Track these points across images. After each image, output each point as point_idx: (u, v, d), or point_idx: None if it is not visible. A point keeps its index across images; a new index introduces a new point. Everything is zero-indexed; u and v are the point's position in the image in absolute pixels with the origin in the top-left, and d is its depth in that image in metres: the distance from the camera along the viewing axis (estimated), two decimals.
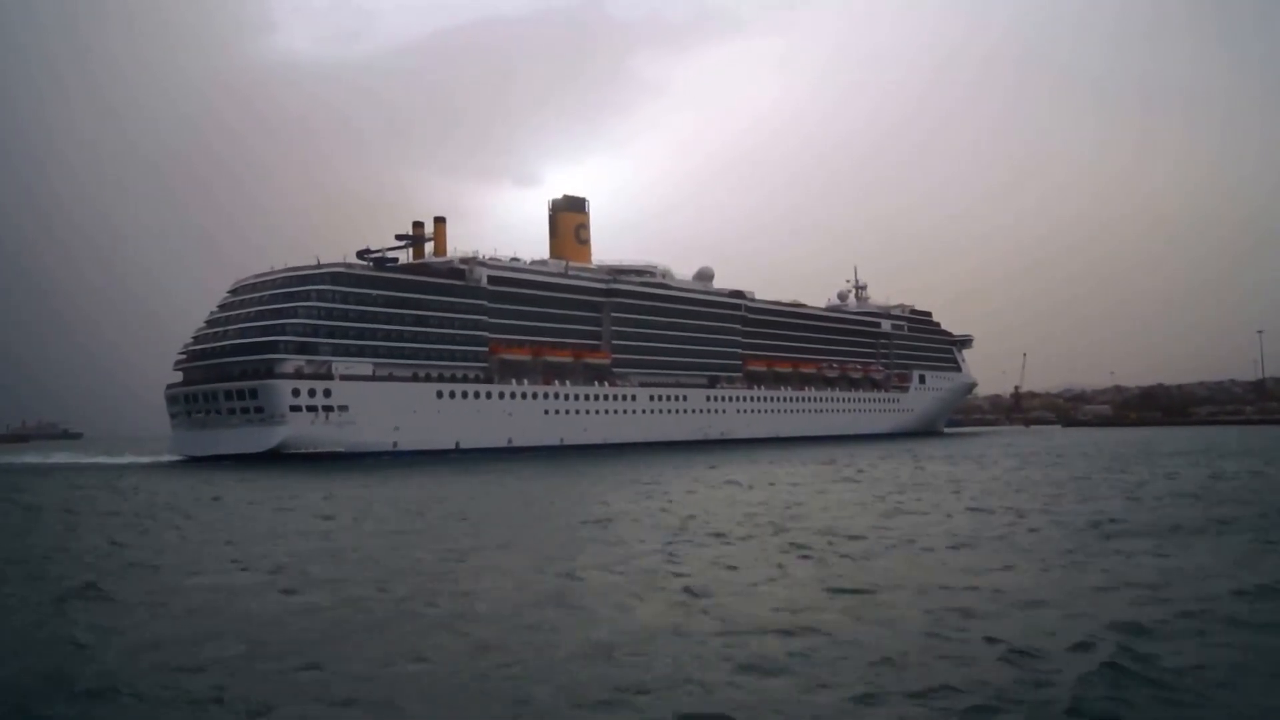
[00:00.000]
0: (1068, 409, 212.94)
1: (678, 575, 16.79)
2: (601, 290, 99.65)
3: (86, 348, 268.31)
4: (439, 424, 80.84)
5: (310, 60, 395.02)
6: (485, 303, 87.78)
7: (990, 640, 11.65)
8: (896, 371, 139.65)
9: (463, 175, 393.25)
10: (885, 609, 13.80)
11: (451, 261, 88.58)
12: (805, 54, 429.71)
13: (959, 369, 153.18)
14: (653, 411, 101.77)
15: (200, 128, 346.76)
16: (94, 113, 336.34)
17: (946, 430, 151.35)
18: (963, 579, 16.02)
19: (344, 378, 75.98)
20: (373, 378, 78.30)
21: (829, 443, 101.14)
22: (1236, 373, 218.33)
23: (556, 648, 11.81)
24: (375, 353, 79.40)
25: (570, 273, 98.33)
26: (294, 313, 76.12)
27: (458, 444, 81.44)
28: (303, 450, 72.13)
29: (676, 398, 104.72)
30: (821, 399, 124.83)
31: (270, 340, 74.53)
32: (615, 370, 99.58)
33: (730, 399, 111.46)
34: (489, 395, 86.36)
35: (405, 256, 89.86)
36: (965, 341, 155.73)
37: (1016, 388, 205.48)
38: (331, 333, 77.08)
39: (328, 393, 74.56)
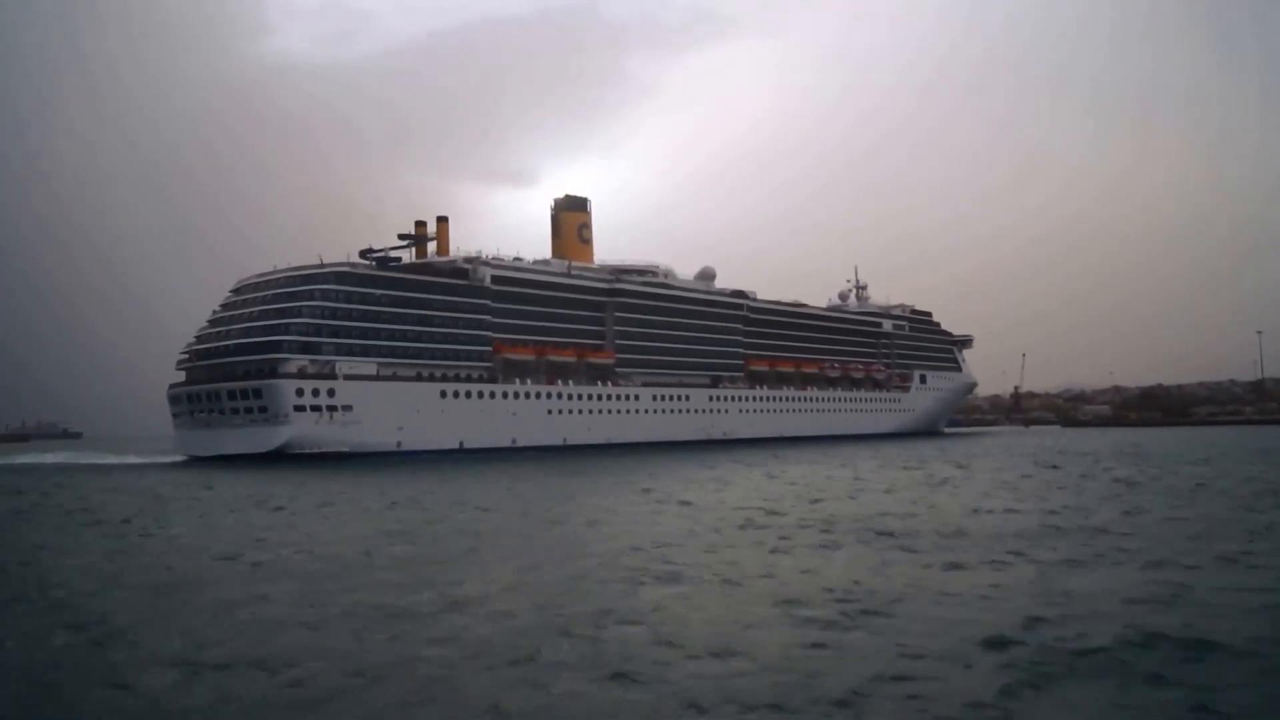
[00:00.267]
0: (1067, 409, 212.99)
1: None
2: (605, 290, 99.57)
3: (85, 347, 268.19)
4: (443, 424, 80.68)
5: (306, 61, 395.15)
6: (489, 302, 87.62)
7: None
8: (898, 371, 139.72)
9: (460, 176, 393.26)
10: None
11: (455, 261, 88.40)
12: (802, 55, 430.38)
13: (959, 369, 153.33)
14: (656, 411, 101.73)
15: (198, 128, 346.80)
16: (92, 113, 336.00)
17: (946, 430, 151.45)
18: None
19: (348, 377, 75.78)
20: (377, 377, 78.12)
21: (831, 443, 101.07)
22: (1236, 373, 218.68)
23: None
24: (379, 352, 79.20)
25: (573, 272, 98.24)
26: (298, 312, 75.90)
27: (461, 444, 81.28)
28: (307, 450, 71.95)
29: (679, 398, 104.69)
30: (823, 399, 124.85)
31: (274, 340, 74.29)
32: (618, 370, 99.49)
33: (733, 399, 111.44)
34: (493, 395, 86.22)
35: (408, 256, 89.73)
36: (966, 341, 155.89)
37: (1016, 388, 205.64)
38: (335, 332, 76.87)
39: (332, 392, 74.37)
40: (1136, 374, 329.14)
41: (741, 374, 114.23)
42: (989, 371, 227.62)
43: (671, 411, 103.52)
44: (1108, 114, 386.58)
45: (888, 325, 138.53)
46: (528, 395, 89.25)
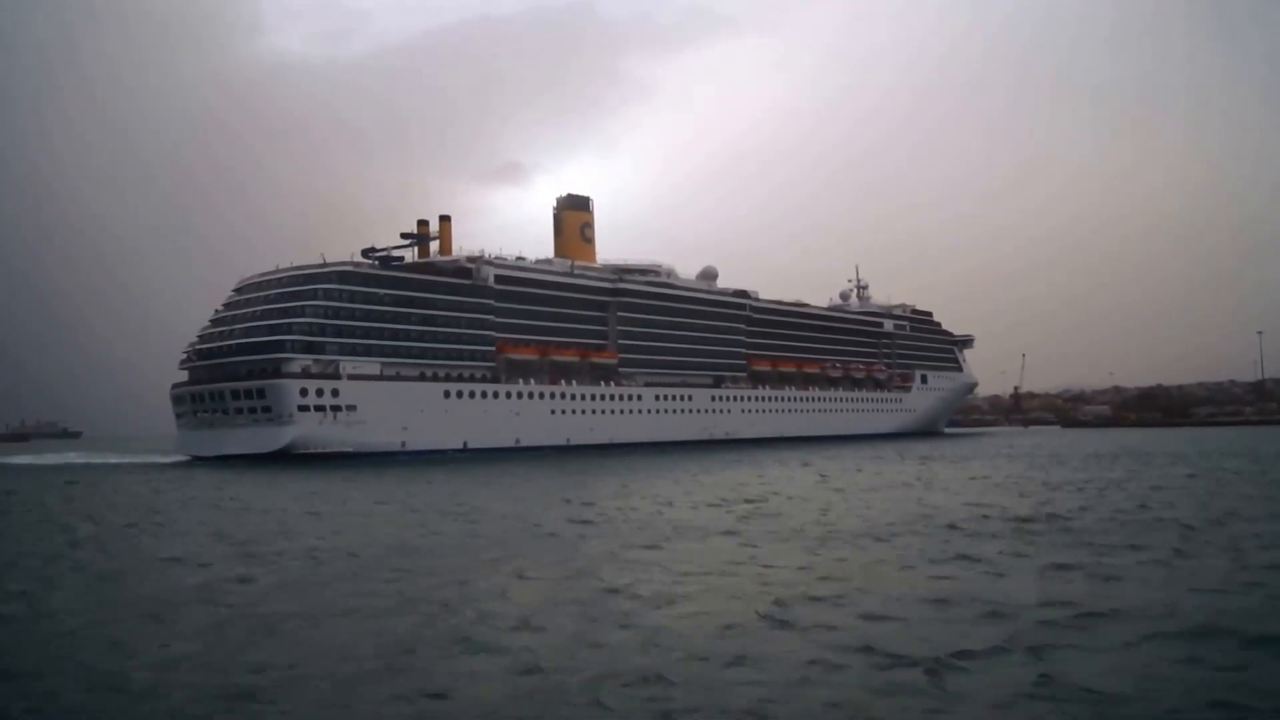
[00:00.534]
0: (1067, 409, 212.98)
1: None
2: (608, 290, 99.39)
3: (84, 347, 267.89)
4: (447, 424, 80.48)
5: (303, 60, 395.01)
6: (492, 302, 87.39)
7: None
8: (899, 371, 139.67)
9: (458, 175, 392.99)
10: None
11: (458, 260, 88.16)
12: (802, 54, 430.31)
13: (960, 369, 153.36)
14: (658, 411, 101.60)
15: (196, 128, 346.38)
16: (90, 113, 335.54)
17: (946, 430, 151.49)
18: None
19: (352, 377, 75.54)
20: (380, 377, 77.88)
21: (834, 443, 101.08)
22: (1236, 373, 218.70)
23: None
24: (383, 352, 78.93)
25: (576, 272, 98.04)
26: (301, 311, 75.64)
27: (465, 444, 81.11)
28: (311, 450, 71.69)
29: (682, 397, 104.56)
30: (825, 399, 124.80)
31: (278, 340, 74.00)
32: (621, 370, 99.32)
33: (735, 399, 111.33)
34: (496, 395, 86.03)
35: (410, 255, 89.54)
36: (966, 341, 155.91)
37: (1016, 388, 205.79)
38: (339, 332, 76.63)
39: (335, 392, 74.15)
40: (1136, 374, 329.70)
41: (744, 374, 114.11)
42: (989, 372, 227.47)
43: (674, 412, 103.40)
44: (1108, 114, 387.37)
45: (889, 325, 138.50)
46: (531, 395, 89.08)
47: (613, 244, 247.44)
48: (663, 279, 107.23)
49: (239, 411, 73.40)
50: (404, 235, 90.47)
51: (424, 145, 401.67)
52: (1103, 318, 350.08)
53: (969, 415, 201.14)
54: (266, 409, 72.24)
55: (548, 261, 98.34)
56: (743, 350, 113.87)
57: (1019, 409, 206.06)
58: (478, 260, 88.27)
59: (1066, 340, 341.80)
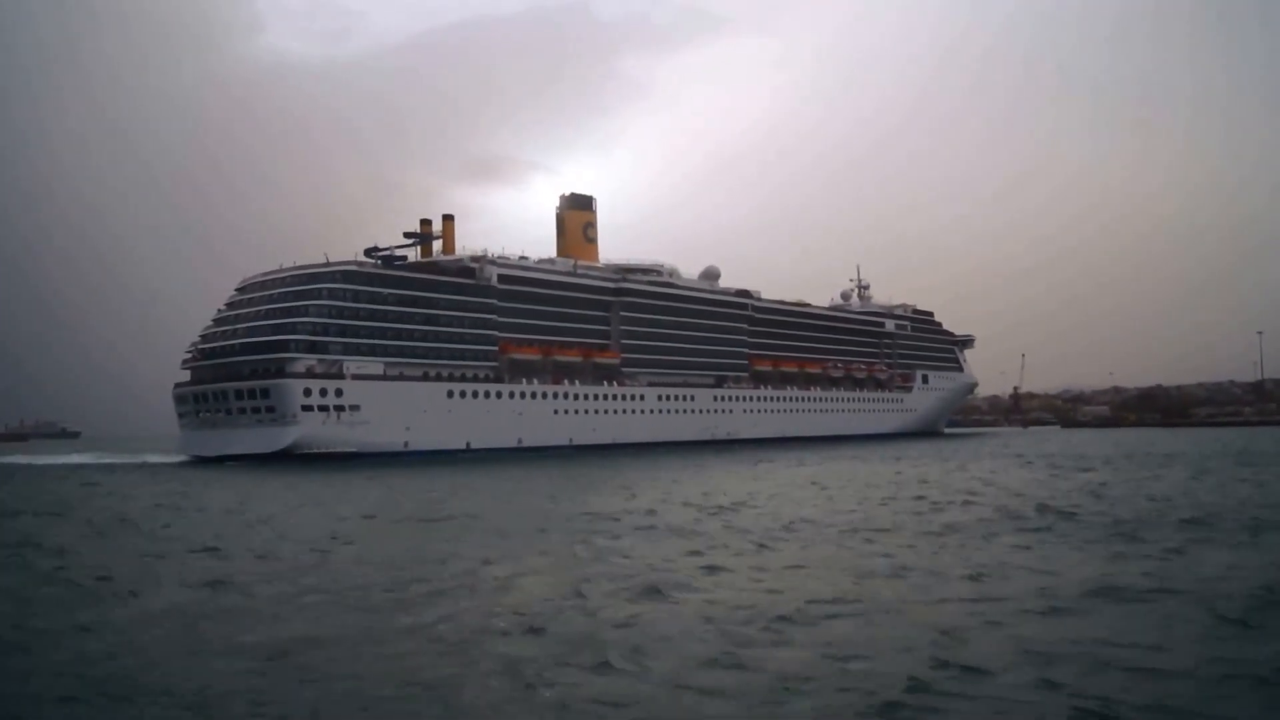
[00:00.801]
0: (1066, 410, 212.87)
1: None
2: (611, 289, 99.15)
3: (83, 347, 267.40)
4: (450, 424, 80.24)
5: (300, 59, 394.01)
6: (496, 301, 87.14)
7: None
8: (900, 371, 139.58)
9: (456, 174, 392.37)
10: None
11: (462, 260, 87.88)
12: (802, 54, 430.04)
13: (961, 369, 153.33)
14: (661, 411, 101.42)
15: (195, 127, 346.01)
16: (89, 113, 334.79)
17: (946, 430, 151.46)
18: None
19: (355, 377, 75.27)
20: (384, 377, 77.62)
21: (836, 444, 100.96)
22: (1236, 374, 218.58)
23: None
24: (386, 352, 78.65)
25: (579, 271, 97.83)
26: (305, 311, 75.34)
27: (468, 444, 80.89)
28: (314, 450, 71.46)
29: (684, 398, 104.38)
30: (827, 399, 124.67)
31: (282, 339, 73.69)
32: (624, 370, 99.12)
33: (737, 399, 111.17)
34: (499, 395, 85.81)
35: (413, 255, 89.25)
36: (967, 341, 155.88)
37: (1015, 388, 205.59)
38: (343, 331, 76.34)
39: (339, 392, 73.89)
40: (1136, 374, 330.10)
41: (746, 374, 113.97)
42: (989, 372, 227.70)
43: (676, 412, 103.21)
44: (1109, 114, 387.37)
45: (890, 325, 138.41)
46: (534, 395, 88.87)
47: (613, 244, 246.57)
48: (665, 279, 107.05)
49: (242, 411, 73.12)
50: (407, 234, 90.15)
51: (422, 144, 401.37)
52: (1103, 318, 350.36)
53: (968, 415, 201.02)
54: (270, 409, 71.97)
55: (550, 261, 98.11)
56: (745, 350, 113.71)
57: (1018, 409, 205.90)
58: (481, 260, 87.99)
59: (1066, 340, 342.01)
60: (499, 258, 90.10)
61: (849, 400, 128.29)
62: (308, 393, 72.30)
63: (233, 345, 76.07)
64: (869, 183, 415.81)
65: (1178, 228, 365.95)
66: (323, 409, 72.69)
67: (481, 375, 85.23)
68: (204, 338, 79.47)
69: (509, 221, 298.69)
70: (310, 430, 71.79)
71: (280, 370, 72.92)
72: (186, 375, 79.86)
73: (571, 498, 36.09)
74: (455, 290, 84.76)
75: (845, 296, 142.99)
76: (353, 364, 75.79)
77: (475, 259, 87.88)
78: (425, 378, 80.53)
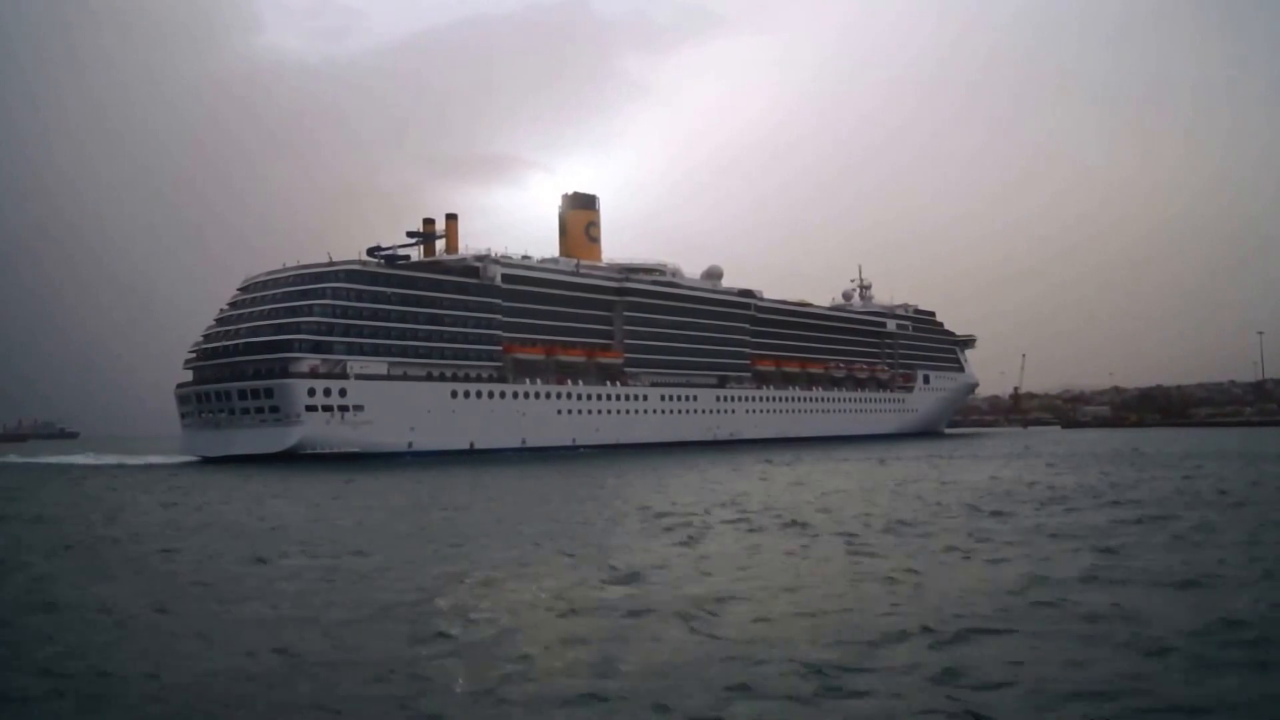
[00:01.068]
0: (1066, 410, 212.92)
1: None
2: (614, 289, 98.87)
3: (81, 347, 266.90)
4: (454, 424, 79.92)
5: (299, 58, 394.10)
6: (499, 301, 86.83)
7: None
8: (901, 371, 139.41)
9: (455, 174, 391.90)
10: None
11: (465, 259, 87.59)
12: (803, 53, 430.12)
13: (962, 369, 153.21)
14: (663, 412, 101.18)
15: (193, 126, 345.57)
16: (88, 113, 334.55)
17: (947, 431, 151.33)
18: None
19: (359, 377, 74.97)
20: (388, 377, 77.32)
21: (836, 444, 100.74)
22: (1236, 374, 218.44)
23: None
24: (390, 351, 78.35)
25: (582, 271, 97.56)
26: (309, 310, 75.02)
27: (472, 445, 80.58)
28: (318, 450, 71.17)
29: (687, 398, 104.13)
30: (828, 399, 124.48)
31: (285, 339, 73.40)
32: (627, 370, 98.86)
33: (739, 399, 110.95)
34: (503, 395, 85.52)
35: (416, 254, 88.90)
36: (968, 341, 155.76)
37: (1016, 388, 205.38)
38: (346, 331, 76.03)
39: (343, 392, 73.57)
40: (1136, 375, 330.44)
41: (748, 374, 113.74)
42: (989, 372, 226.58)
43: (679, 412, 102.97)
44: (1110, 114, 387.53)
45: (892, 325, 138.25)
46: (537, 395, 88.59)
47: (613, 243, 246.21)
48: (668, 279, 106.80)
49: (245, 411, 72.78)
50: (410, 234, 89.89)
51: (421, 143, 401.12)
52: (1103, 318, 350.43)
53: (969, 415, 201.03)
54: (274, 409, 71.65)
55: (553, 261, 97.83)
56: (747, 350, 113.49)
57: (1019, 409, 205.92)
58: (484, 259, 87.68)
59: (1067, 340, 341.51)
60: (502, 257, 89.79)
61: (851, 400, 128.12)
62: (311, 393, 71.99)
63: (236, 345, 75.74)
64: (870, 182, 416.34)
65: (1178, 228, 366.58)
66: (326, 409, 72.38)
67: (485, 375, 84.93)
68: (207, 337, 79.13)
69: (509, 221, 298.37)
70: (314, 430, 71.48)
71: (284, 370, 72.60)
72: (188, 375, 79.49)
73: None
74: (459, 290, 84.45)
75: (847, 296, 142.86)
76: (356, 364, 75.49)
77: (479, 259, 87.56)
78: (429, 378, 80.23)
